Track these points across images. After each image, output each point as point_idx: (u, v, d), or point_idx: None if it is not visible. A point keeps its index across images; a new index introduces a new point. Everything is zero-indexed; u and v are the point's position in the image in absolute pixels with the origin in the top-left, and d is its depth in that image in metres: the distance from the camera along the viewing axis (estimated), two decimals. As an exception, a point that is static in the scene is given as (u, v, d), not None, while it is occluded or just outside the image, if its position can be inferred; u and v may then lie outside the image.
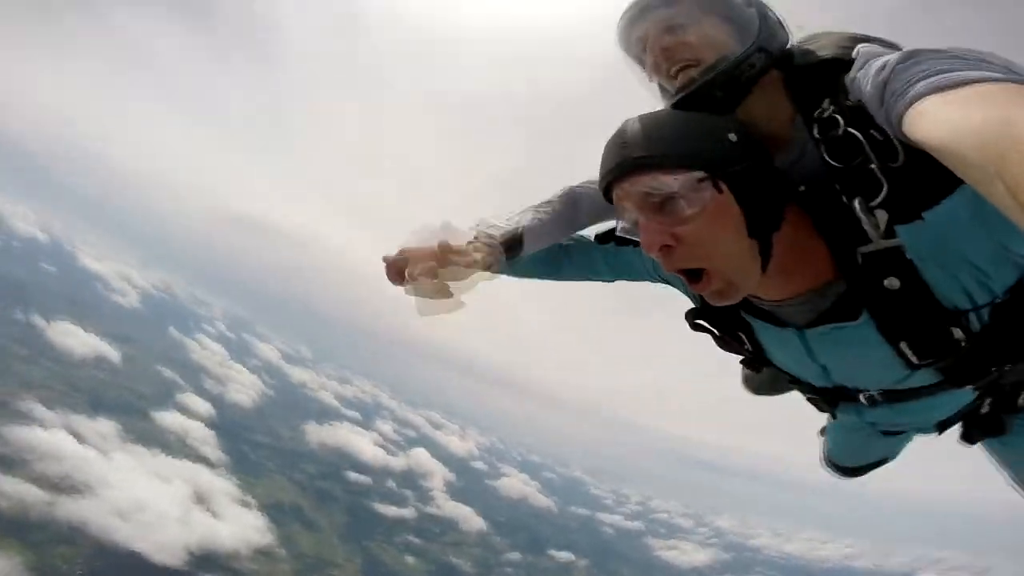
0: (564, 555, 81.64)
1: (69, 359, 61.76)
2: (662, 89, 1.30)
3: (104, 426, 52.25)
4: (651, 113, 1.17)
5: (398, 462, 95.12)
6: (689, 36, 1.18)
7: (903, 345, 1.13)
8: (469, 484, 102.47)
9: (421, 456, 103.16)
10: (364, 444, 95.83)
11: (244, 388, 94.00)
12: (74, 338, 65.74)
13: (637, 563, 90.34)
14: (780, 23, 1.23)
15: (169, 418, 64.24)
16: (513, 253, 1.51)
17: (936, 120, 0.81)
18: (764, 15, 1.21)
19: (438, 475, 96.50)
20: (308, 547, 54.00)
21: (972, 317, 1.09)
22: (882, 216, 1.01)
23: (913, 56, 0.95)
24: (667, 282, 1.57)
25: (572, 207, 1.64)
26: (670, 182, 1.04)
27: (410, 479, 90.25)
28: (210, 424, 68.56)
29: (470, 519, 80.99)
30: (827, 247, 1.13)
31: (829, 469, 2.13)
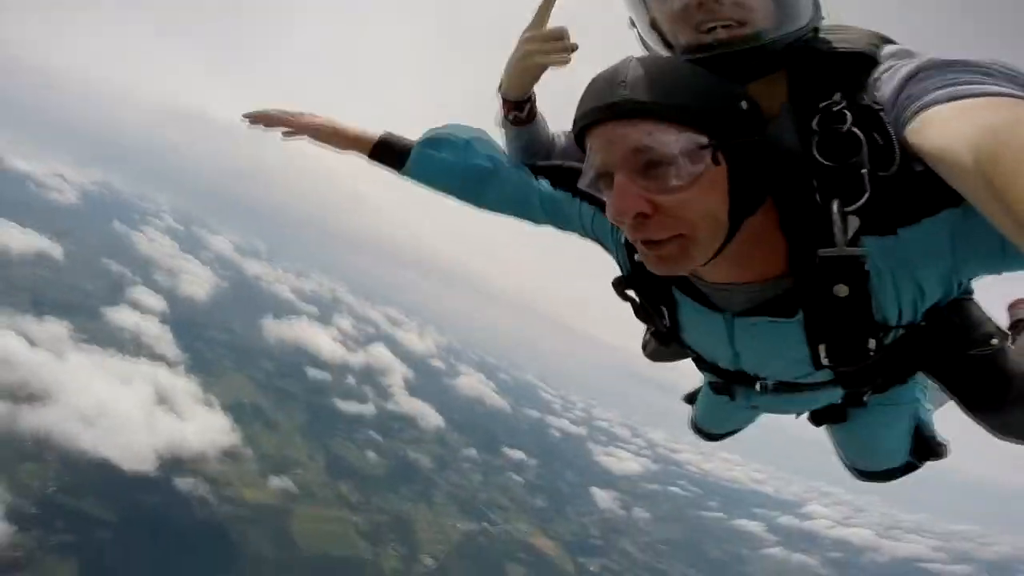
0: (516, 454, 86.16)
1: (6, 257, 58.36)
2: (663, 39, 1.18)
3: (53, 327, 50.41)
4: (658, 57, 1.05)
5: (357, 358, 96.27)
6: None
7: (821, 347, 1.13)
8: (427, 382, 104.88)
9: (380, 352, 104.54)
10: (323, 340, 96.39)
11: (197, 280, 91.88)
12: (8, 235, 61.80)
13: (579, 466, 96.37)
14: (818, 6, 1.15)
15: (121, 315, 62.76)
16: (529, 116, 1.60)
17: (938, 129, 0.80)
18: None
19: (397, 372, 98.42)
20: (271, 447, 55.13)
21: (890, 334, 1.11)
22: (853, 223, 0.98)
23: (940, 64, 0.93)
24: (599, 240, 1.47)
25: (554, 141, 1.67)
26: (669, 140, 0.91)
27: (369, 376, 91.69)
28: (164, 319, 67.35)
29: (428, 416, 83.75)
30: (785, 241, 1.09)
31: (695, 433, 2.32)
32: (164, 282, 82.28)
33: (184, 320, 70.63)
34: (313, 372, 79.83)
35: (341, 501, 52.47)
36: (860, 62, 1.09)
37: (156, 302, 71.09)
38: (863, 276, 1.00)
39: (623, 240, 1.31)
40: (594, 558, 62.78)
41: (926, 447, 1.77)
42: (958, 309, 1.22)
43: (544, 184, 1.54)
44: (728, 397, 1.71)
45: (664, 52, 1.17)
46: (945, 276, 1.01)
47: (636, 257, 1.19)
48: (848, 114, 1.00)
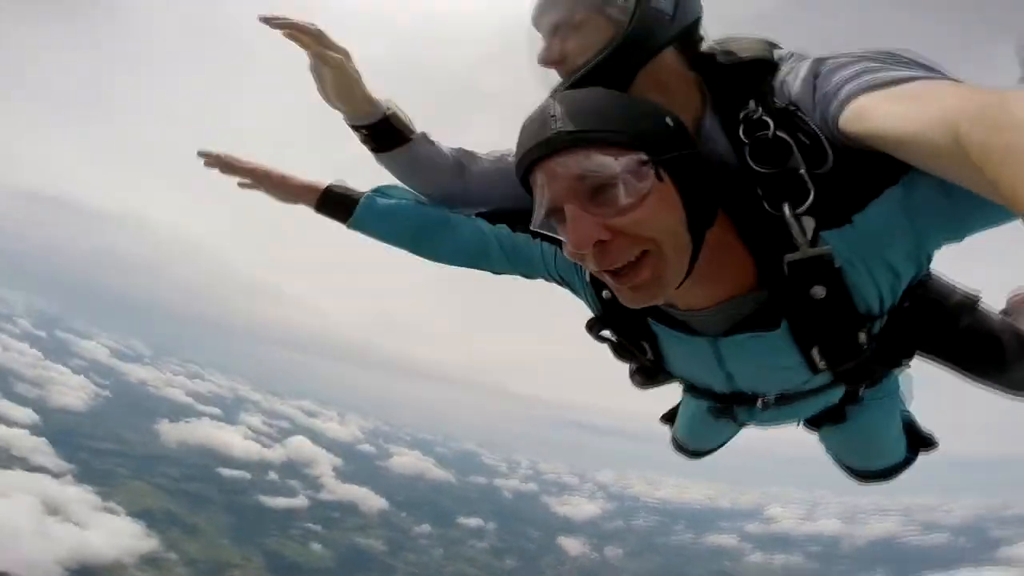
0: (473, 521, 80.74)
1: None
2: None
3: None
4: (584, 89, 1.05)
5: (275, 453, 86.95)
6: (569, 44, 1.16)
7: (814, 351, 1.14)
8: (360, 467, 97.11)
9: (301, 445, 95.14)
10: (232, 438, 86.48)
11: (71, 391, 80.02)
12: None
13: (539, 521, 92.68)
14: (680, 7, 1.17)
15: None
16: (389, 141, 1.49)
17: (885, 114, 0.84)
18: (639, 9, 1.14)
19: (324, 461, 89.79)
20: (197, 552, 48.00)
21: (876, 323, 1.13)
22: (809, 223, 1.00)
23: (839, 58, 1.01)
24: (564, 282, 1.43)
25: (463, 165, 1.54)
26: (610, 163, 0.91)
27: (293, 469, 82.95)
28: (37, 431, 57.55)
29: (369, 499, 76.62)
30: (749, 254, 1.09)
31: (678, 452, 2.20)
32: (28, 393, 70.84)
33: (62, 431, 60.80)
34: (228, 472, 70.98)
35: None
36: (761, 68, 1.14)
37: (23, 414, 60.87)
38: (836, 272, 1.02)
39: (588, 278, 1.28)
40: (581, 610, 58.25)
41: (918, 438, 1.79)
42: (924, 288, 1.26)
43: (503, 229, 1.47)
44: (731, 420, 1.62)
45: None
46: (912, 252, 1.03)
47: (605, 294, 1.22)
48: (769, 120, 1.04)
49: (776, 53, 1.15)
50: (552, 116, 0.95)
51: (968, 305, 1.31)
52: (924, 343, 1.29)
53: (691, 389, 1.52)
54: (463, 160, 1.53)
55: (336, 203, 1.55)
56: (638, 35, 1.10)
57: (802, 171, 0.99)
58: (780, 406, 1.40)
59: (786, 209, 1.00)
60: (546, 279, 1.46)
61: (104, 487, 49.95)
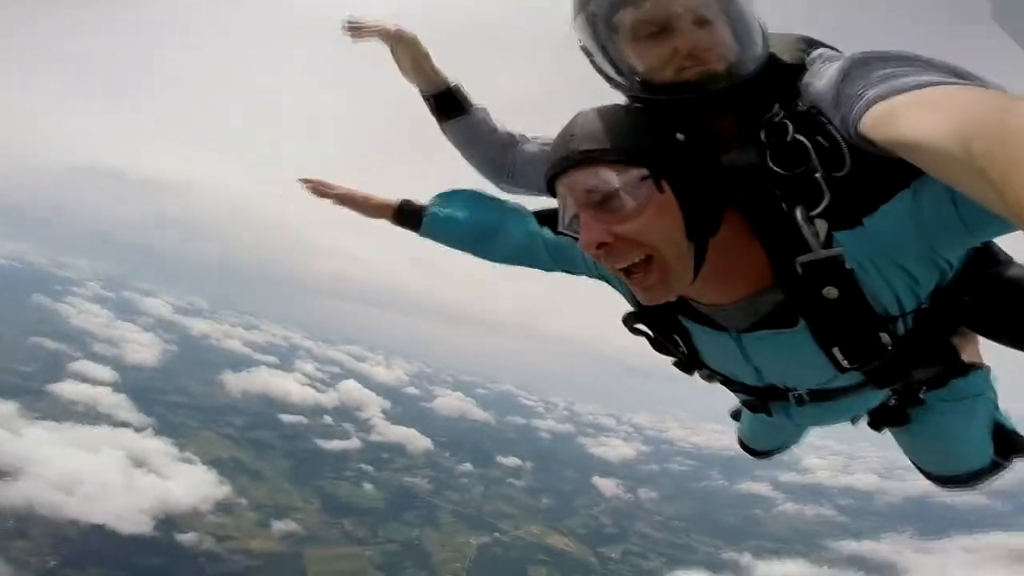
0: (511, 461, 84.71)
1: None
2: (629, 70, 1.21)
3: (1, 407, 46.78)
4: (603, 106, 1.14)
5: (329, 398, 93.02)
6: (723, 36, 1.13)
7: (835, 350, 1.17)
8: (406, 409, 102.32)
9: (352, 388, 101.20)
10: (290, 385, 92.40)
11: (143, 347, 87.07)
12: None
13: (575, 461, 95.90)
14: (766, 33, 1.19)
15: (68, 388, 58.61)
16: (452, 109, 1.74)
17: (905, 120, 0.83)
18: (760, 22, 1.17)
19: (373, 404, 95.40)
20: (263, 496, 52.76)
21: (899, 322, 1.15)
22: (822, 226, 1.04)
23: (864, 61, 1.00)
24: (606, 279, 1.52)
25: (514, 143, 1.73)
26: (611, 178, 1.04)
27: (346, 412, 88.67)
28: (117, 388, 63.68)
29: (415, 440, 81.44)
30: (766, 254, 1.14)
31: (743, 449, 2.27)
32: (107, 352, 77.57)
33: (138, 387, 66.76)
34: (287, 418, 76.61)
35: (348, 538, 50.63)
36: (791, 71, 1.17)
37: (104, 373, 67.03)
38: (847, 274, 1.05)
39: None
40: (613, 545, 61.98)
41: (1008, 442, 1.66)
42: (999, 270, 1.24)
43: (547, 232, 1.61)
44: (765, 414, 1.66)
45: (630, 86, 1.22)
46: (924, 255, 1.05)
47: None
48: (788, 123, 1.08)
49: (809, 55, 1.17)
50: (572, 135, 1.09)
51: None
52: (995, 326, 1.26)
53: (727, 383, 1.59)
54: (515, 139, 1.71)
55: (407, 217, 1.77)
56: (768, 59, 1.16)
57: (818, 175, 1.02)
58: (817, 402, 1.45)
59: (798, 212, 1.03)
60: (588, 276, 1.59)
61: (180, 439, 55.41)
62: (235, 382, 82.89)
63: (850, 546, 69.56)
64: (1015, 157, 0.55)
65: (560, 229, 1.16)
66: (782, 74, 1.17)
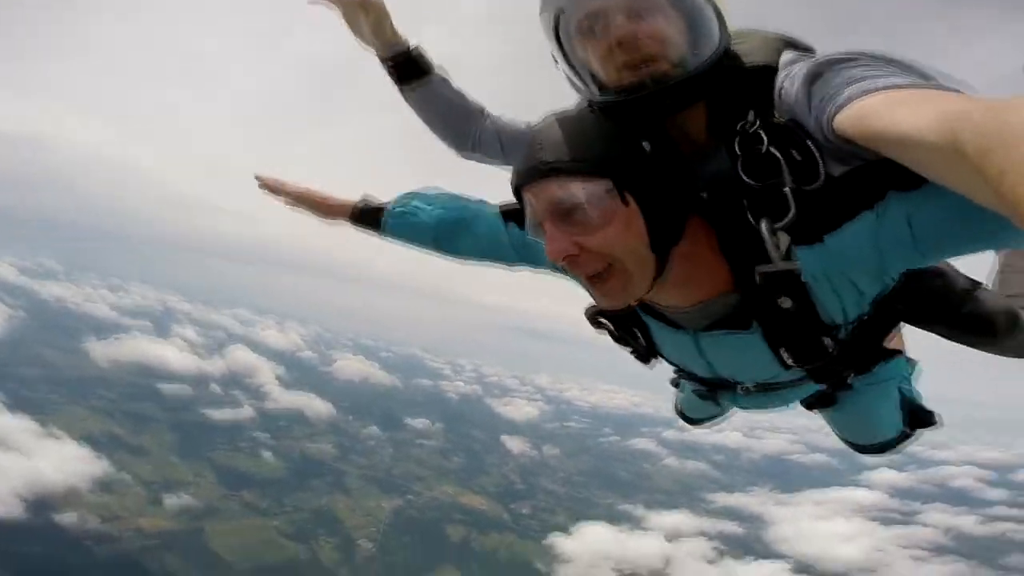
0: (420, 422, 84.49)
1: None
2: (590, 76, 1.20)
3: None
4: (569, 114, 1.16)
5: (215, 365, 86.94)
6: (658, 28, 1.10)
7: (782, 351, 1.24)
8: (303, 374, 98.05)
9: (240, 354, 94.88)
10: (168, 352, 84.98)
11: None
12: None
13: (483, 421, 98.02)
14: (725, 24, 1.18)
15: None
16: (413, 75, 1.68)
17: (883, 117, 0.85)
18: (720, 16, 1.15)
19: (266, 370, 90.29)
20: (148, 473, 48.55)
21: (842, 329, 1.23)
22: (784, 239, 1.06)
23: (835, 62, 1.01)
24: (569, 275, 1.52)
25: (481, 114, 1.71)
26: (576, 191, 1.05)
27: (235, 380, 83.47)
28: None
29: (315, 405, 78.57)
30: (726, 261, 1.18)
31: (678, 416, 2.38)
32: None
33: None
34: (168, 387, 70.54)
35: (251, 509, 48.21)
36: (766, 74, 1.15)
37: None
38: (801, 286, 1.09)
39: None
40: (522, 501, 63.97)
41: (917, 417, 1.83)
42: (933, 277, 1.43)
43: (514, 228, 1.60)
44: (714, 403, 1.85)
45: (587, 89, 1.22)
46: (876, 273, 1.10)
47: None
48: (763, 135, 1.08)
49: (783, 57, 1.17)
50: (538, 145, 1.09)
51: (970, 293, 1.47)
52: (926, 323, 1.49)
53: (680, 372, 1.71)
54: (480, 110, 1.70)
55: (366, 217, 1.76)
56: (725, 50, 1.15)
57: (786, 189, 1.04)
58: (761, 393, 1.56)
59: (763, 224, 1.06)
60: (552, 272, 1.59)
61: (40, 415, 48.96)
62: (102, 350, 75.01)
63: (724, 498, 77.79)
64: (1010, 151, 0.57)
65: (529, 236, 1.18)
66: (755, 77, 1.16)
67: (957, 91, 0.87)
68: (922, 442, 1.95)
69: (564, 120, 1.13)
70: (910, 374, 1.77)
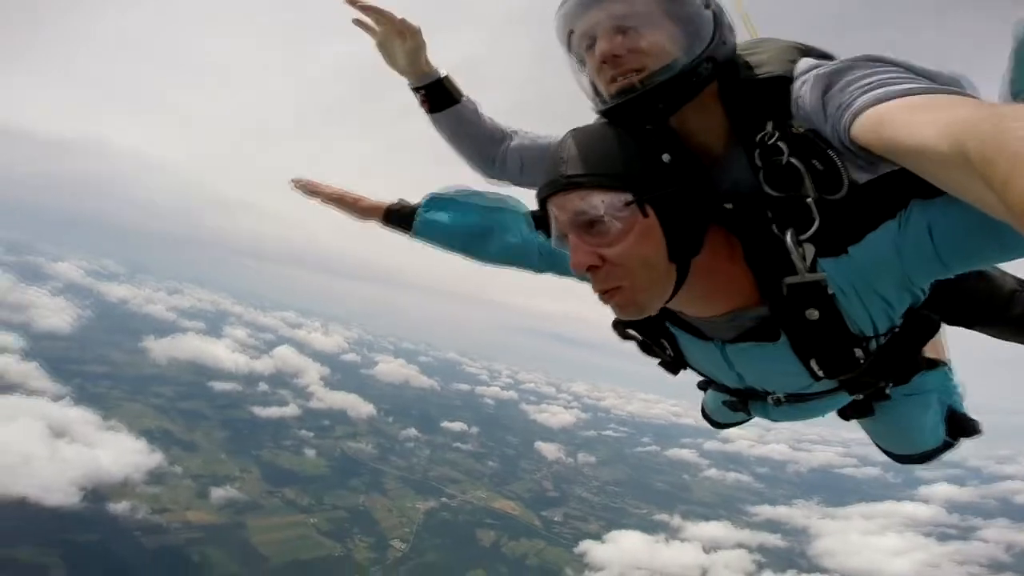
0: (456, 426, 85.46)
1: None
2: (595, 89, 1.27)
3: None
4: (590, 128, 1.19)
5: (264, 364, 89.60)
6: (641, 42, 1.14)
7: (812, 362, 1.24)
8: (346, 376, 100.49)
9: (287, 355, 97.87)
10: (220, 352, 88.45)
11: (53, 313, 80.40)
12: None
13: (518, 427, 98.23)
14: (731, 27, 1.21)
15: None
16: (443, 103, 1.72)
17: (897, 125, 0.85)
18: (719, 18, 1.19)
19: (311, 371, 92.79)
20: (198, 468, 50.49)
21: (872, 341, 1.21)
22: (810, 250, 1.07)
23: (849, 70, 1.02)
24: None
25: (504, 136, 1.73)
26: (597, 204, 1.08)
27: (282, 379, 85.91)
28: (26, 356, 58.68)
29: (357, 406, 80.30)
30: (751, 272, 1.18)
31: (705, 420, 2.39)
32: (13, 318, 71.25)
33: (52, 355, 61.82)
34: (219, 386, 73.42)
35: (292, 506, 49.47)
36: (782, 83, 1.16)
37: (9, 339, 61.21)
38: (828, 298, 1.10)
39: None
40: (555, 508, 63.66)
41: (958, 426, 1.83)
42: (976, 280, 1.44)
43: (541, 235, 1.59)
44: (745, 414, 1.82)
45: (595, 101, 1.28)
46: (902, 284, 1.10)
47: None
48: (783, 146, 1.09)
49: (798, 66, 1.16)
50: (562, 158, 1.13)
51: (1018, 294, 1.47)
52: (974, 325, 1.51)
53: (710, 382, 1.69)
54: (505, 133, 1.74)
55: (398, 218, 1.79)
56: (717, 52, 1.17)
57: (809, 199, 1.04)
58: (793, 404, 1.54)
59: (788, 235, 1.07)
60: (579, 279, 1.56)
61: (102, 410, 51.75)
62: (160, 349, 78.51)
63: (767, 511, 75.20)
64: (1015, 161, 0.56)
65: (553, 246, 1.20)
66: (771, 87, 1.16)
67: (970, 95, 0.86)
68: (986, 456, 2.17)
69: (586, 134, 1.16)
70: (952, 383, 1.77)
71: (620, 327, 1.49)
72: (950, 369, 1.73)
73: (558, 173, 1.12)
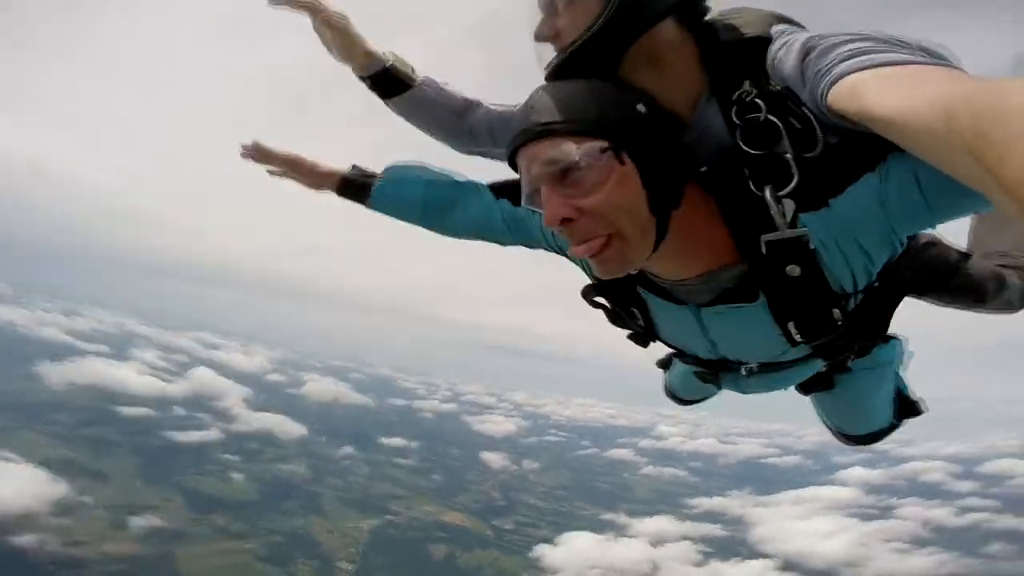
0: (396, 441, 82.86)
1: None
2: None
3: None
4: (562, 82, 1.16)
5: (178, 387, 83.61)
6: (571, 19, 1.15)
7: (790, 325, 1.20)
8: (272, 397, 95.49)
9: (205, 376, 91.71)
10: (127, 375, 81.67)
11: None
12: None
13: (460, 439, 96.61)
14: None
15: None
16: (395, 89, 1.64)
17: (877, 94, 0.84)
18: None
19: (232, 393, 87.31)
20: (111, 498, 45.97)
21: (851, 300, 1.19)
22: (789, 205, 1.05)
23: (833, 36, 1.00)
24: (562, 252, 1.52)
25: (468, 108, 1.67)
26: (571, 150, 1.03)
27: (200, 402, 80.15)
28: None
29: (286, 427, 76.22)
30: (728, 231, 1.15)
31: (668, 397, 2.37)
32: None
33: None
34: (128, 411, 67.37)
35: (223, 533, 45.96)
36: (761, 45, 1.16)
37: None
38: (810, 253, 1.08)
39: None
40: (505, 517, 62.82)
41: (906, 406, 1.85)
42: (928, 247, 1.48)
43: (505, 204, 1.58)
44: (716, 385, 1.77)
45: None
46: (885, 236, 1.08)
47: None
48: (761, 103, 1.08)
49: (774, 28, 1.16)
50: (532, 107, 1.09)
51: (962, 263, 1.53)
52: (920, 293, 1.52)
53: (680, 355, 1.65)
54: (470, 103, 1.67)
55: (355, 188, 1.71)
56: (627, 6, 1.12)
57: (788, 155, 1.04)
58: (764, 374, 1.52)
59: (767, 191, 1.05)
60: (546, 249, 1.57)
61: (-8, 443, 45.84)
62: (56, 374, 71.19)
63: (704, 503, 78.23)
64: (1009, 134, 0.55)
65: (523, 205, 1.16)
66: (748, 47, 1.16)
67: (957, 69, 0.85)
68: (889, 440, 1.92)
69: (557, 86, 1.13)
70: (902, 360, 1.76)
71: (590, 293, 1.45)
72: (903, 342, 1.73)
73: (529, 122, 1.08)
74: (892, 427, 1.89)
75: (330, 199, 1.73)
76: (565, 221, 1.06)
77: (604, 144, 1.03)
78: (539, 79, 1.24)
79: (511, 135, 1.13)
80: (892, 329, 1.40)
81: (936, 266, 1.47)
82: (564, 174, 1.04)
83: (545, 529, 60.59)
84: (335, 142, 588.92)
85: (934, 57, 0.90)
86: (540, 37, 1.19)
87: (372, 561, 46.91)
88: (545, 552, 53.35)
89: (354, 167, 1.73)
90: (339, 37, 1.56)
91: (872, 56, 0.90)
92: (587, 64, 1.14)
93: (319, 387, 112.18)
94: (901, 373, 1.80)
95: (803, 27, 1.19)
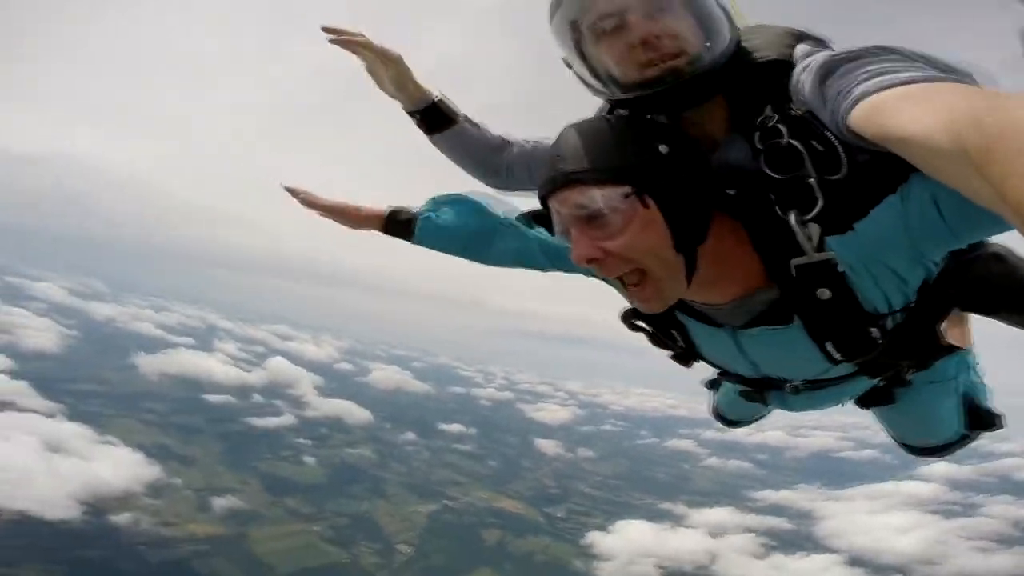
0: (455, 427, 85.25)
1: None
2: (607, 77, 1.23)
3: None
4: (586, 124, 1.18)
5: (256, 376, 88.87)
6: (674, 26, 1.13)
7: (828, 345, 1.22)
8: (340, 384, 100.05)
9: (280, 366, 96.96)
10: (212, 365, 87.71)
11: (39, 333, 78.98)
12: None
13: (516, 426, 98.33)
14: (733, 21, 1.21)
15: None
16: (440, 124, 1.71)
17: (894, 115, 0.84)
18: (726, 11, 1.18)
19: (305, 380, 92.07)
20: (198, 482, 49.85)
21: (888, 319, 1.19)
22: (815, 230, 1.06)
23: (849, 58, 1.01)
24: (603, 279, 1.51)
25: (503, 146, 1.73)
26: (596, 197, 1.08)
27: (275, 390, 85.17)
28: (15, 376, 57.63)
29: (354, 413, 79.86)
30: (758, 256, 1.17)
31: (716, 419, 2.37)
32: None
33: (41, 374, 60.62)
34: (212, 399, 72.91)
35: (294, 515, 49.02)
36: (780, 68, 1.17)
37: None
38: (839, 276, 1.09)
39: None
40: (558, 505, 63.63)
41: (978, 418, 1.76)
42: (991, 262, 1.31)
43: (543, 232, 1.63)
44: (762, 404, 1.77)
45: (607, 90, 1.25)
46: (913, 257, 1.09)
47: None
48: (783, 128, 1.10)
49: (796, 50, 1.18)
50: (559, 155, 1.13)
51: None
52: (990, 312, 1.39)
53: (724, 374, 1.67)
54: (504, 141, 1.74)
55: (398, 226, 1.78)
56: (737, 44, 1.18)
57: (811, 179, 1.04)
58: (811, 391, 1.52)
59: (792, 216, 1.06)
60: (585, 275, 1.58)
61: (96, 427, 51.02)
62: (150, 365, 77.70)
63: (770, 496, 75.49)
64: (1014, 154, 0.54)
65: (556, 237, 1.21)
66: (769, 71, 1.17)
67: (974, 84, 0.85)
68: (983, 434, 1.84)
69: (581, 130, 1.15)
70: (974, 370, 1.73)
71: (629, 319, 1.48)
72: (973, 356, 1.70)
73: (556, 170, 1.12)
74: (964, 439, 1.82)
75: (389, 200, 1.91)
76: (592, 260, 1.11)
77: (627, 189, 1.07)
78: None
79: (540, 179, 1.19)
80: (976, 339, 1.48)
81: (997, 283, 1.32)
82: (591, 219, 1.09)
83: (599, 517, 60.90)
84: (377, 129, 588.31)
85: (958, 73, 0.88)
86: (641, 40, 1.13)
87: (429, 544, 48.88)
88: (597, 539, 53.58)
89: (395, 207, 1.80)
90: (393, 69, 1.65)
91: (891, 76, 0.89)
92: (694, 91, 1.16)
93: (383, 375, 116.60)
94: (977, 383, 1.75)
95: (825, 41, 1.20)
